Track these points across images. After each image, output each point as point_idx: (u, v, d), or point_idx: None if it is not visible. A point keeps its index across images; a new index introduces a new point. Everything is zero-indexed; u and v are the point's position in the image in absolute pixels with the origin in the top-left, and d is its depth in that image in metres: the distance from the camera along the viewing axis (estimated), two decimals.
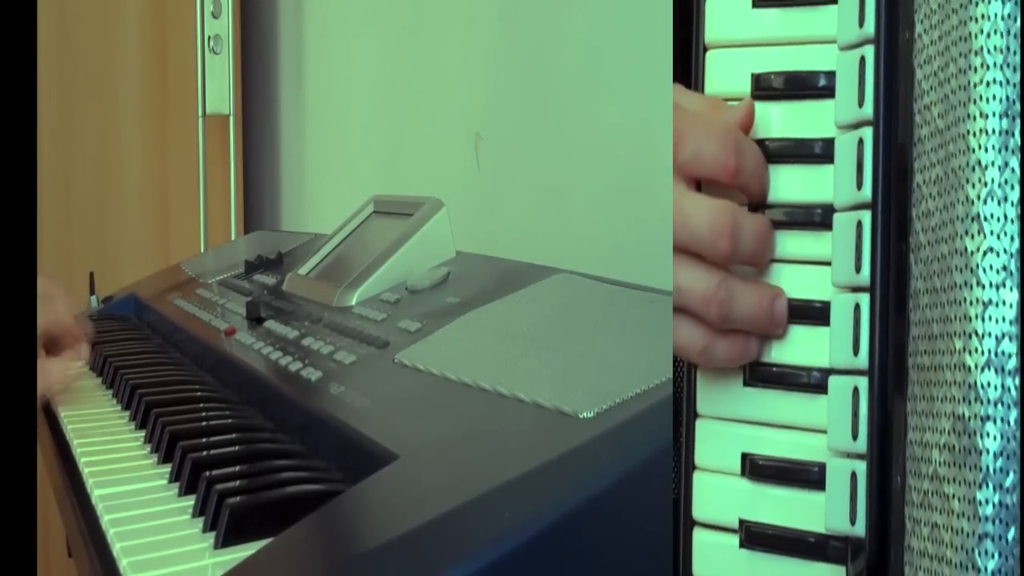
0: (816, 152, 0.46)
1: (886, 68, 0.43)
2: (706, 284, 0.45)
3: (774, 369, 0.47)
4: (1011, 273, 0.38)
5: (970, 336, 0.39)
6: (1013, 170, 0.38)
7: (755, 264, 0.46)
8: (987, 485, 0.38)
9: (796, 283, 0.46)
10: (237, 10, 1.87)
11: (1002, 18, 0.39)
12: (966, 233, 0.39)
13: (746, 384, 0.47)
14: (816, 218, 0.46)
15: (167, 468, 0.64)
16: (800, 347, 0.46)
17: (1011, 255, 0.38)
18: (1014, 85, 0.38)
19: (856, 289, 0.44)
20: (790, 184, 0.47)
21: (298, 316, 0.88)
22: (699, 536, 0.49)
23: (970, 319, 0.39)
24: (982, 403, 0.38)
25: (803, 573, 0.45)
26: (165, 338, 1.09)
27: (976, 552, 0.38)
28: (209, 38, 1.84)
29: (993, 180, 0.39)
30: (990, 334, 0.38)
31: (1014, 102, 0.38)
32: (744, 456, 0.47)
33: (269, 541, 0.48)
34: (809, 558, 0.45)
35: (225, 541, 0.51)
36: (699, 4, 0.49)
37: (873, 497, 0.42)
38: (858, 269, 0.43)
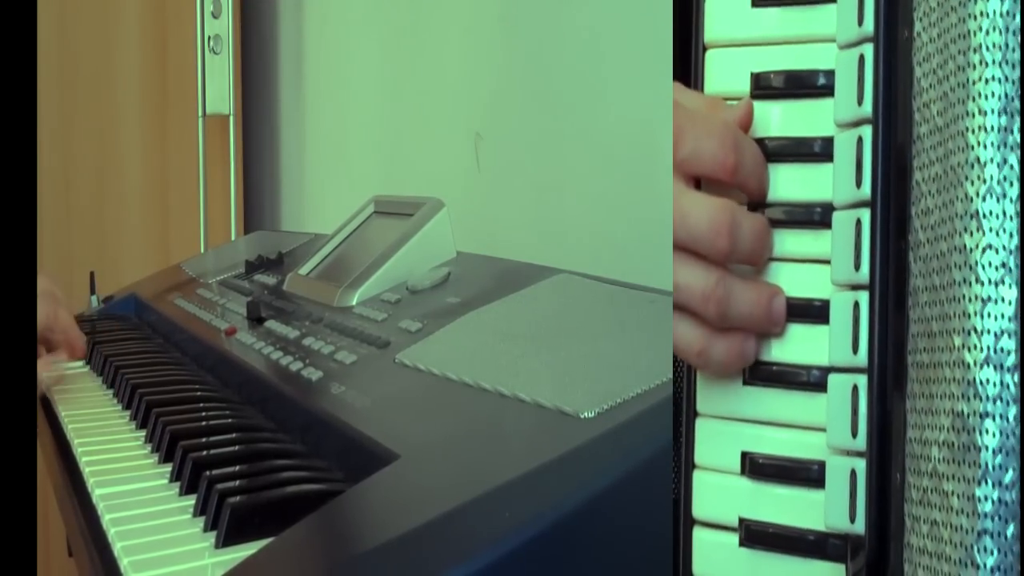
0: (816, 151, 0.46)
1: (885, 66, 0.43)
2: (704, 282, 0.45)
3: (774, 368, 0.46)
4: (1010, 270, 0.38)
5: (969, 333, 0.39)
6: (1012, 167, 0.38)
7: (753, 263, 0.46)
8: (986, 482, 0.38)
9: (796, 282, 0.46)
10: (237, 10, 1.87)
11: (1000, 15, 0.39)
12: (965, 230, 0.39)
13: (746, 383, 0.47)
14: (816, 217, 0.46)
15: (168, 468, 0.64)
16: (800, 345, 0.46)
17: (1010, 252, 0.38)
18: (1013, 82, 0.38)
19: (855, 287, 0.44)
20: (790, 183, 0.47)
21: (299, 316, 0.88)
22: (699, 535, 0.49)
23: (969, 316, 0.39)
24: (981, 400, 0.38)
25: (803, 571, 0.45)
26: (166, 338, 1.09)
27: (975, 549, 0.38)
28: (209, 38, 1.84)
29: (992, 177, 0.39)
30: (989, 331, 0.38)
31: (1013, 99, 0.38)
32: (744, 455, 0.47)
33: (270, 541, 0.48)
34: (809, 556, 0.45)
35: (226, 541, 0.51)
36: (698, 4, 0.49)
37: (873, 495, 0.42)
38: (857, 267, 0.43)
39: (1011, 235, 0.38)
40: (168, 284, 1.28)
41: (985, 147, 0.39)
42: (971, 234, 0.39)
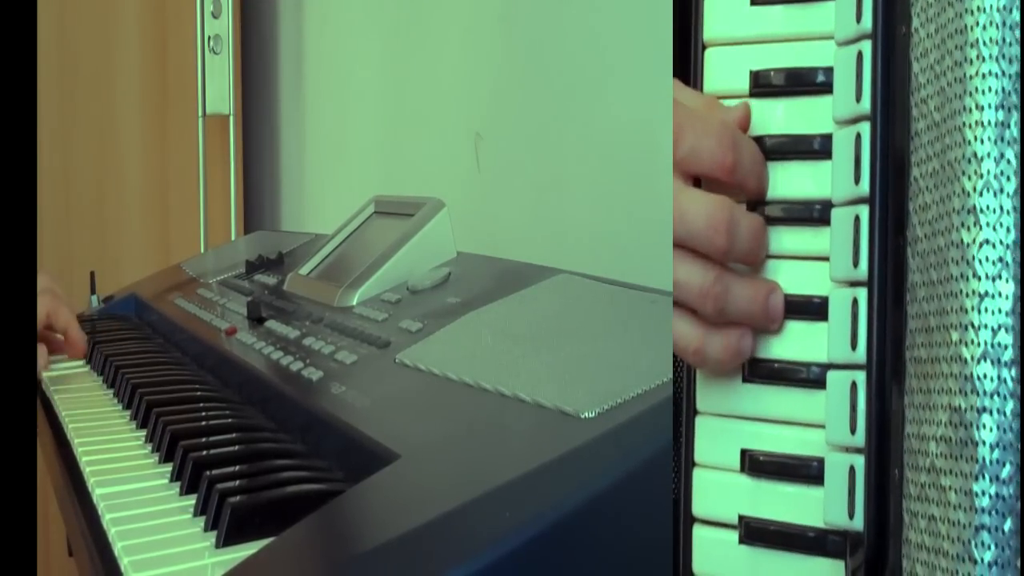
0: (815, 148, 0.46)
1: (883, 63, 0.43)
2: (702, 278, 0.45)
3: (773, 365, 0.47)
4: (1007, 264, 0.38)
5: (966, 328, 0.39)
6: (1009, 161, 0.38)
7: (749, 262, 0.47)
8: (983, 477, 0.38)
9: (795, 279, 0.46)
10: (237, 10, 1.87)
11: (997, 10, 0.39)
12: (962, 225, 0.39)
13: (745, 380, 0.47)
14: (815, 214, 0.46)
15: (168, 468, 0.64)
16: (799, 343, 0.46)
17: (1007, 247, 0.38)
18: (1009, 76, 0.39)
19: (854, 284, 0.44)
20: (790, 181, 0.47)
21: (299, 316, 0.88)
22: (699, 533, 0.49)
23: (966, 311, 0.39)
24: (978, 395, 0.38)
25: (803, 568, 0.45)
26: (166, 338, 1.09)
27: (972, 544, 0.38)
28: (209, 38, 1.84)
29: (989, 172, 0.39)
30: (986, 326, 0.38)
31: (1010, 93, 0.39)
32: (743, 452, 0.47)
33: (270, 541, 0.48)
34: (809, 553, 0.45)
35: (226, 541, 0.51)
36: (698, 3, 0.49)
37: (871, 491, 0.42)
38: (856, 264, 0.43)
39: (1008, 230, 0.38)
40: (168, 284, 1.28)
41: (982, 142, 0.39)
42: (968, 229, 0.39)
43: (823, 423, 0.45)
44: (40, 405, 0.89)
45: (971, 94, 0.39)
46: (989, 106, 0.39)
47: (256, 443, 0.65)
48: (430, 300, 0.80)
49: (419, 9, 1.44)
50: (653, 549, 0.47)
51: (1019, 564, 0.38)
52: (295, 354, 0.76)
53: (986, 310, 0.38)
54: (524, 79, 1.18)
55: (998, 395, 0.38)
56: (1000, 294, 0.38)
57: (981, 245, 0.39)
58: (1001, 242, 0.38)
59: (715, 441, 0.48)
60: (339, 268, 0.96)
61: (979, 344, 0.38)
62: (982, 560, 0.38)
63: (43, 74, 1.76)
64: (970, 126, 0.39)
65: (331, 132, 1.78)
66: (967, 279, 0.39)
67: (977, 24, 0.39)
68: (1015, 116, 0.38)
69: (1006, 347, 0.38)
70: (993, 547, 0.38)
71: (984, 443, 0.38)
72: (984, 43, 0.39)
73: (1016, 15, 0.39)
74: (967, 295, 0.39)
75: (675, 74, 0.50)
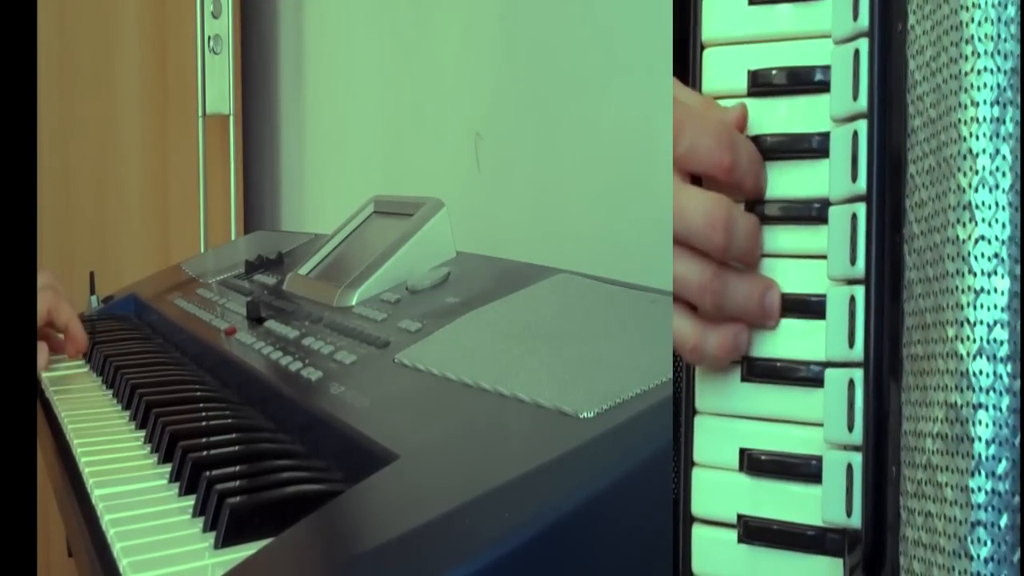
0: (813, 147, 0.46)
1: (880, 60, 0.43)
2: (701, 274, 0.45)
3: (772, 364, 0.47)
4: (1002, 260, 0.38)
5: (962, 324, 0.39)
6: (1004, 157, 0.38)
7: (746, 260, 0.47)
8: (979, 473, 0.38)
9: (793, 277, 0.46)
10: (237, 10, 1.87)
11: (992, 6, 0.39)
12: (958, 221, 0.39)
13: (744, 379, 0.47)
14: (813, 212, 0.46)
15: (167, 468, 0.64)
16: (797, 341, 0.46)
17: (1002, 242, 0.38)
18: (1005, 72, 0.39)
19: (851, 281, 0.44)
20: (789, 179, 0.47)
21: (298, 316, 0.88)
22: (698, 532, 0.49)
23: (962, 307, 0.39)
24: (974, 391, 0.38)
25: (802, 566, 0.45)
26: (165, 338, 1.09)
27: (969, 540, 0.38)
28: (209, 38, 1.84)
29: (984, 168, 0.39)
30: (982, 322, 0.38)
31: (1005, 89, 0.39)
32: (742, 451, 0.47)
33: (269, 541, 0.48)
34: (807, 551, 0.45)
35: (225, 541, 0.51)
36: (696, 3, 0.49)
37: (869, 489, 0.42)
38: (853, 261, 0.43)
39: (1004, 226, 0.38)
40: (168, 284, 1.28)
41: (977, 138, 0.39)
42: (964, 225, 0.39)
43: (821, 421, 0.45)
44: (40, 406, 0.89)
45: (966, 90, 0.39)
46: (984, 102, 0.39)
47: (255, 443, 0.65)
48: (429, 300, 0.80)
49: (419, 9, 1.44)
50: (653, 549, 0.47)
51: (1015, 560, 0.38)
52: (294, 354, 0.76)
53: (982, 306, 0.38)
54: (524, 79, 1.18)
55: (994, 391, 0.38)
56: (996, 290, 0.38)
57: (977, 241, 0.39)
58: (997, 238, 0.38)
59: (714, 440, 0.48)
60: (338, 268, 0.96)
61: (975, 340, 0.38)
62: (978, 556, 0.38)
63: (43, 74, 1.76)
64: (965, 122, 0.39)
65: (331, 132, 1.78)
66: (963, 275, 0.39)
67: (972, 20, 0.39)
68: (1010, 112, 0.38)
69: (1002, 343, 0.38)
70: (989, 543, 0.38)
71: (980, 439, 0.38)
72: (979, 39, 0.39)
73: (1011, 11, 0.39)
74: (963, 291, 0.39)
75: (674, 74, 0.50)
